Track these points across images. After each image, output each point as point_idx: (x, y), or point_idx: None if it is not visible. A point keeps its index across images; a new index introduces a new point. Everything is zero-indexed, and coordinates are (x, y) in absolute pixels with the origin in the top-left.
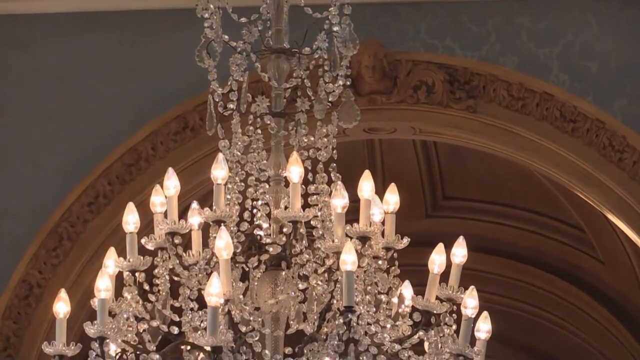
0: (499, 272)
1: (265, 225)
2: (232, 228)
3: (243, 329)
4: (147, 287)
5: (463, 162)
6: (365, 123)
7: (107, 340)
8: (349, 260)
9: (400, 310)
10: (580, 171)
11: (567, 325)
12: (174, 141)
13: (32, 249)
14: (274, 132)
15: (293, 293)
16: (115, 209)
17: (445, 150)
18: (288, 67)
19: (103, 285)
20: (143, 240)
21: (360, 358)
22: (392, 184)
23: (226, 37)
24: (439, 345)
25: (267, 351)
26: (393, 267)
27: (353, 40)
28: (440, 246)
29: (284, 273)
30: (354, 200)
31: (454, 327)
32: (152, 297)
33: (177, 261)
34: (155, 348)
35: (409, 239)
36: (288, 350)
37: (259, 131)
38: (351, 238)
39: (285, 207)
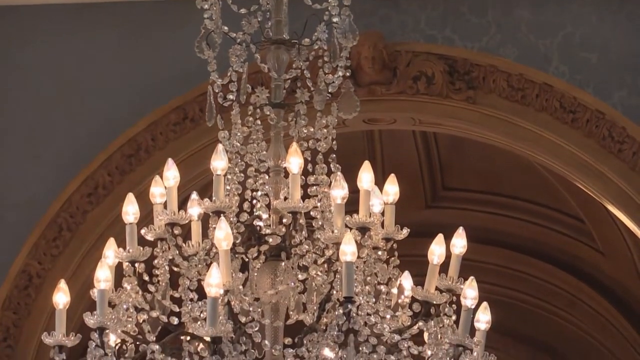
0: (498, 262)
1: (264, 216)
2: (231, 219)
3: (243, 319)
4: (146, 278)
5: (463, 153)
6: (365, 114)
7: (107, 331)
8: (348, 251)
9: (399, 300)
10: (579, 162)
11: (566, 315)
12: (174, 132)
13: (32, 240)
14: (273, 123)
15: (293, 284)
16: (115, 200)
17: (445, 141)
18: (288, 58)
19: (103, 276)
20: (143, 231)
21: (360, 348)
22: (392, 174)
23: (226, 28)
24: (439, 336)
25: (266, 342)
26: (393, 258)
27: (353, 31)
28: (440, 237)
29: (283, 264)
30: (354, 191)
31: (454, 317)
32: (151, 288)
33: (177, 252)
34: (154, 338)
35: (409, 230)
36: (288, 340)
37: (259, 122)
38: (351, 229)
39: (285, 198)
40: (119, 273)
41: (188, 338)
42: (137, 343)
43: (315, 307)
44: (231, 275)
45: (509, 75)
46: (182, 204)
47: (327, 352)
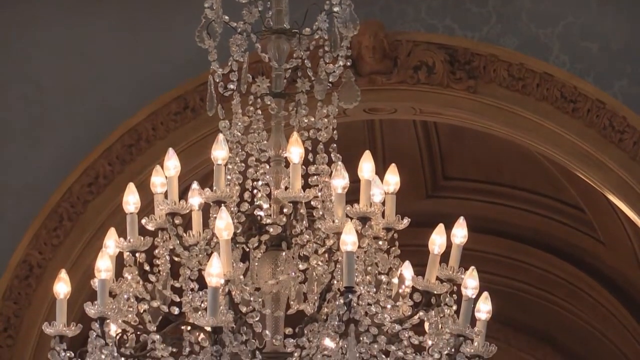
0: (499, 252)
1: (265, 205)
2: (232, 208)
3: (243, 309)
4: (147, 268)
5: (463, 143)
6: (366, 103)
7: (108, 321)
8: (349, 240)
9: (400, 290)
10: (580, 151)
11: (567, 305)
12: (175, 121)
13: (33, 230)
14: (274, 112)
15: (293, 273)
16: (116, 190)
17: (446, 131)
18: (288, 47)
19: (103, 266)
20: (143, 221)
21: (361, 338)
22: (393, 164)
23: (226, 17)
24: (440, 326)
25: (267, 332)
26: (393, 248)
27: (353, 20)
28: (441, 227)
29: (284, 253)
30: (354, 181)
31: (454, 307)
32: (152, 278)
33: (178, 242)
34: (155, 328)
35: (409, 220)
36: (288, 330)
37: (259, 112)
38: (351, 218)
39: (286, 188)
40: (119, 263)
41: (189, 328)
42: (138, 333)
43: (315, 297)
44: (232, 265)
45: (510, 64)
46: (183, 194)
47: (327, 342)
